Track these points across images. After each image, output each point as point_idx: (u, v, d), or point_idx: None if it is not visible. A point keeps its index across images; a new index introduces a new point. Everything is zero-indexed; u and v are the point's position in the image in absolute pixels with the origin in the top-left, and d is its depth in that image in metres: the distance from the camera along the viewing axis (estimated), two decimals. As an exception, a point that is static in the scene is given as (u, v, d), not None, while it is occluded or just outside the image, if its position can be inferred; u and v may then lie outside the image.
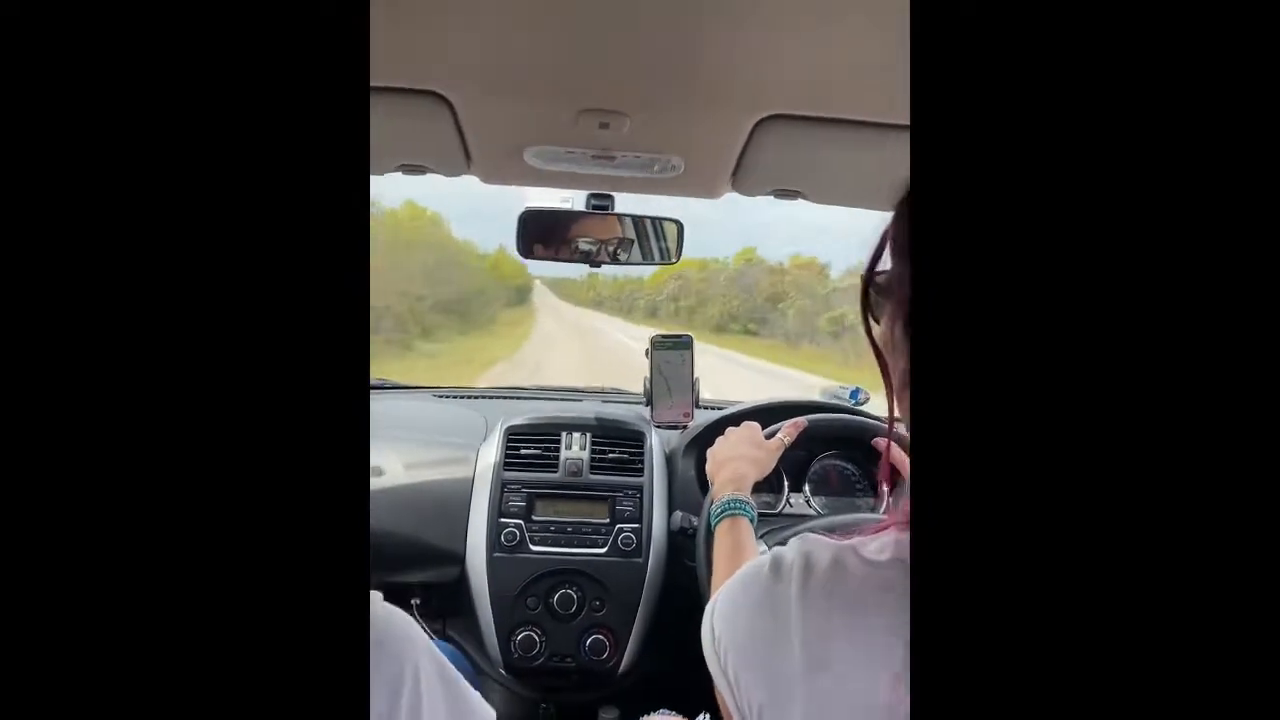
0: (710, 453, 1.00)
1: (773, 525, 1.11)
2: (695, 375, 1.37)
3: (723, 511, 0.89)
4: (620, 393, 1.73)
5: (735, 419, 1.21)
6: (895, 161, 0.84)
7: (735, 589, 0.52)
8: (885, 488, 1.08)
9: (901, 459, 1.04)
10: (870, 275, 0.50)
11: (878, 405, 1.45)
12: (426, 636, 0.50)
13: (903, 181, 0.89)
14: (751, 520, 0.89)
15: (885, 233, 0.50)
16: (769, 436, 1.03)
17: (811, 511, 1.29)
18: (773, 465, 0.99)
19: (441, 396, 1.59)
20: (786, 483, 1.31)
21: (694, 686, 1.23)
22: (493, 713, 0.55)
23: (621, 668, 1.18)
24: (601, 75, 0.71)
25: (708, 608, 0.54)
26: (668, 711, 1.15)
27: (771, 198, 0.97)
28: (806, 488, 1.32)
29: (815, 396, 1.55)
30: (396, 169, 0.92)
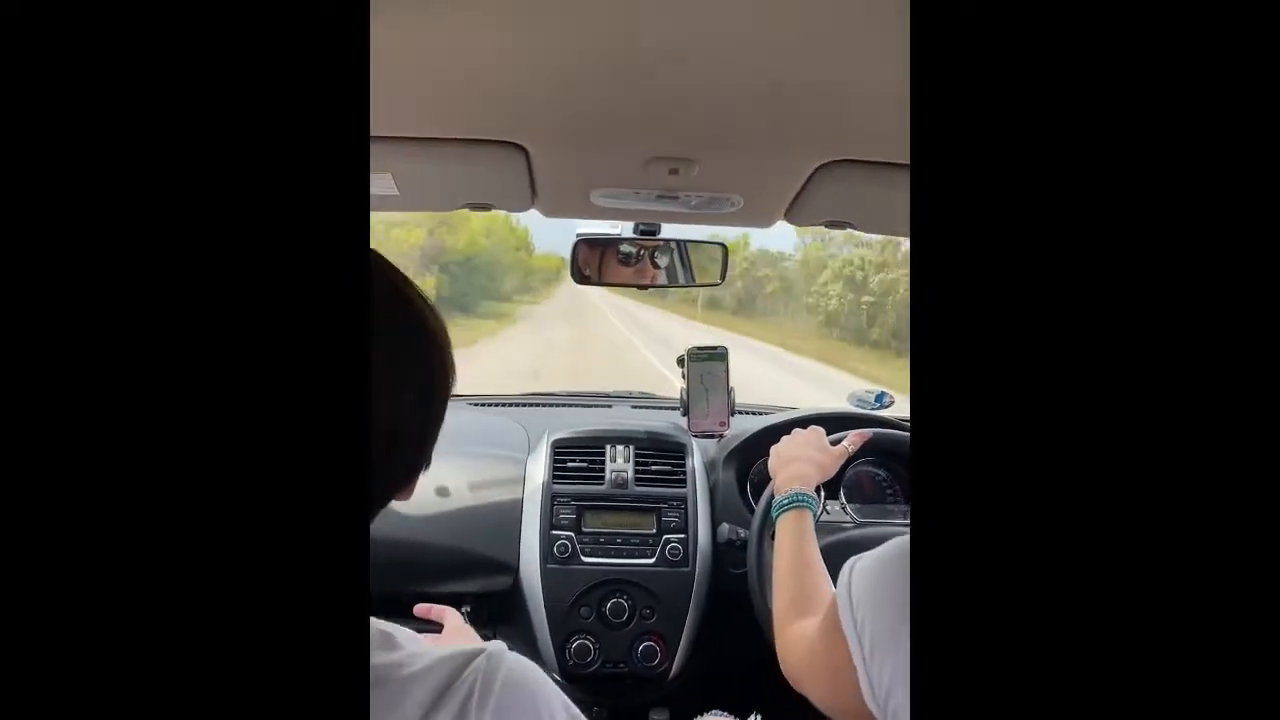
0: (774, 450, 1.04)
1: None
2: (730, 385, 1.41)
3: (789, 504, 0.93)
4: (649, 397, 1.77)
5: (778, 430, 1.26)
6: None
7: (882, 563, 0.53)
8: None
9: None
10: None
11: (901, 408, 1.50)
12: (554, 685, 0.53)
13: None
14: (815, 515, 0.93)
15: None
16: (834, 444, 1.07)
17: (847, 518, 1.34)
18: (835, 471, 1.03)
19: (478, 405, 1.63)
20: (823, 491, 1.35)
21: (742, 687, 1.29)
22: None
23: (672, 672, 1.23)
24: (673, 126, 0.75)
25: (844, 576, 0.55)
26: (720, 712, 1.21)
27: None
28: (841, 494, 1.36)
29: (844, 400, 1.59)
30: (462, 206, 0.96)
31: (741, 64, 0.62)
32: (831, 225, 0.99)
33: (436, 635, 0.79)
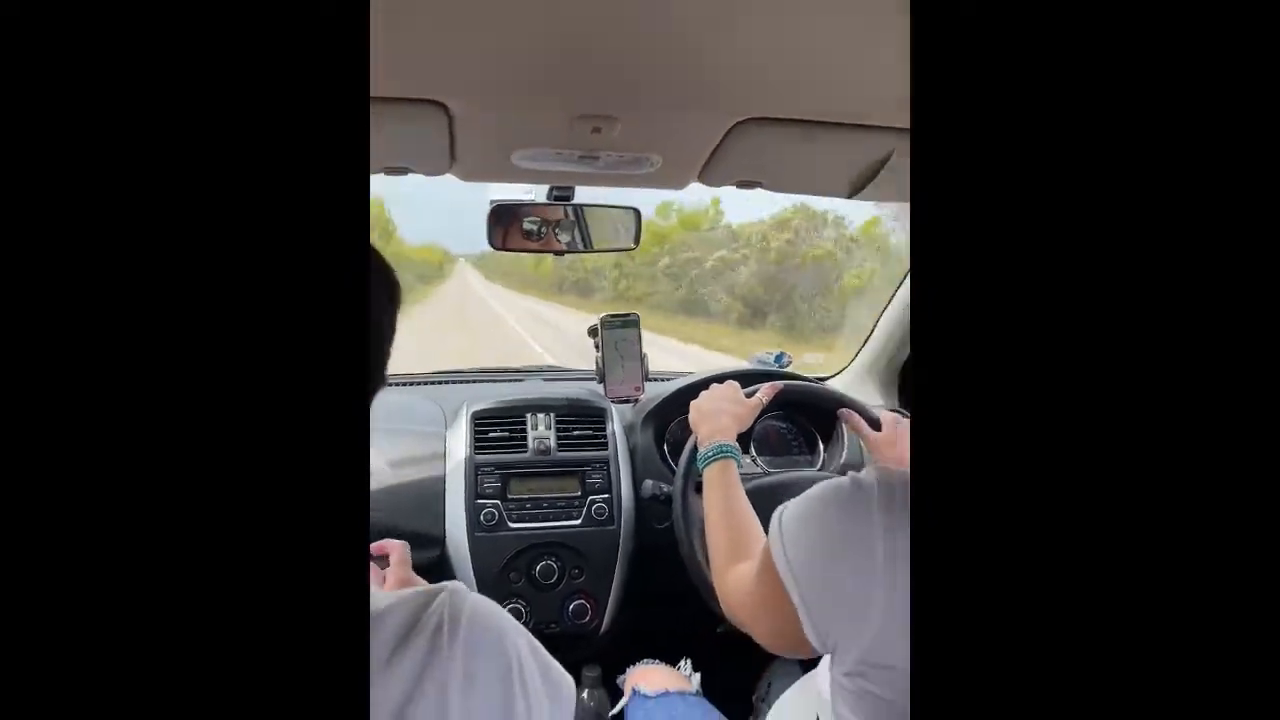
0: (694, 405, 1.08)
1: None
2: (644, 351, 1.45)
3: (714, 455, 0.97)
4: (561, 370, 1.79)
5: (693, 389, 1.31)
6: (858, 154, 0.95)
7: (813, 505, 0.55)
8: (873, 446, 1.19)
9: (858, 422, 1.17)
10: None
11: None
12: (515, 620, 0.53)
13: (865, 170, 1.00)
14: (740, 463, 0.97)
15: None
16: (749, 397, 1.12)
17: (758, 469, 1.41)
18: (751, 421, 1.08)
19: (388, 385, 1.60)
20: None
21: (670, 636, 1.34)
22: (570, 677, 0.60)
23: (603, 628, 1.26)
24: (598, 82, 0.77)
25: (775, 523, 0.57)
26: (650, 661, 1.25)
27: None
28: (751, 447, 1.44)
29: (745, 363, 1.67)
30: (379, 171, 0.94)
31: (664, 17, 0.64)
32: (742, 185, 1.04)
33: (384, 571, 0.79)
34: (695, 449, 1.15)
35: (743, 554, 0.81)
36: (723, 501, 0.92)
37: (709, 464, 0.97)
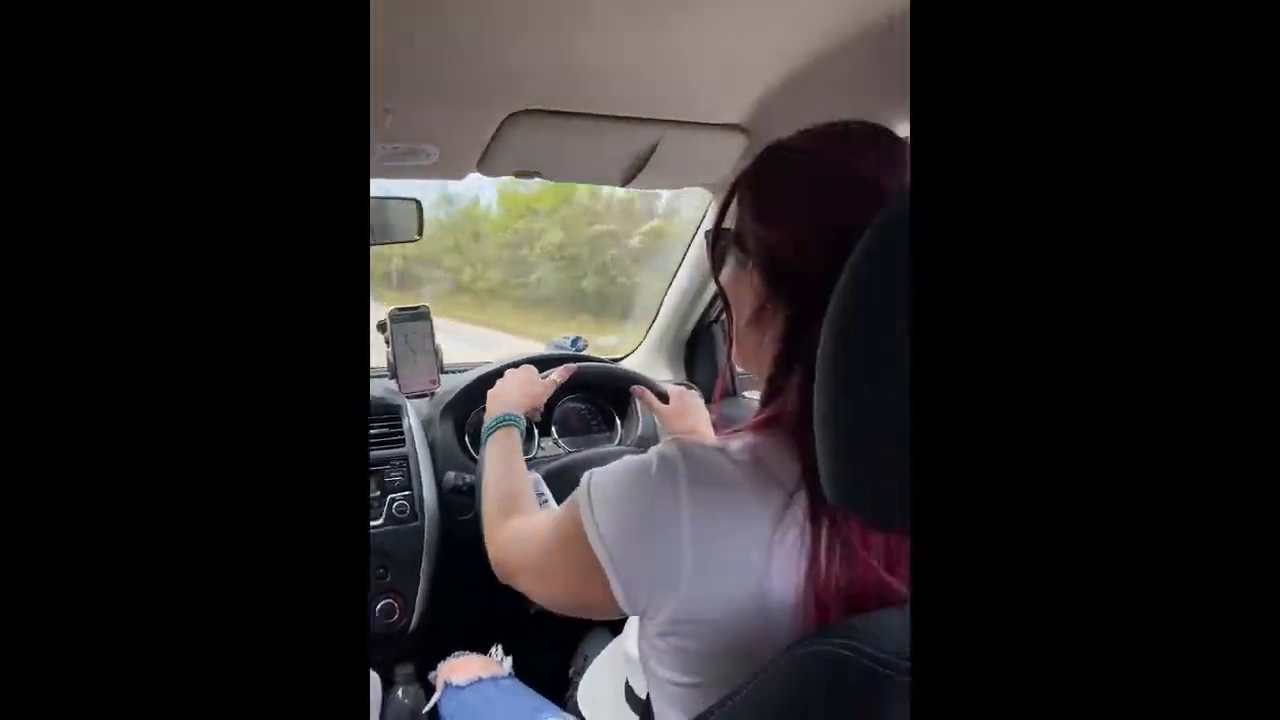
0: (490, 392, 1.09)
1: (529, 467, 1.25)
2: (437, 344, 1.43)
3: (496, 424, 0.99)
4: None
5: (491, 377, 1.32)
6: (628, 145, 1.00)
7: (621, 477, 0.56)
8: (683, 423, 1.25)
9: (650, 398, 1.24)
10: (718, 226, 0.63)
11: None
12: None
13: (635, 160, 1.05)
14: (521, 432, 0.99)
15: (733, 187, 0.62)
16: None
17: (561, 451, 1.46)
18: (544, 399, 1.11)
19: None
20: (536, 430, 1.45)
21: (481, 626, 1.35)
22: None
23: (412, 626, 1.25)
24: (375, 75, 0.76)
25: (583, 489, 0.58)
26: (461, 652, 1.26)
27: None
28: (554, 430, 1.48)
29: (542, 349, 1.70)
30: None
31: (438, 10, 0.65)
32: (520, 175, 1.07)
33: None
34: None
35: (515, 509, 0.83)
36: (501, 461, 0.93)
37: (491, 433, 0.99)
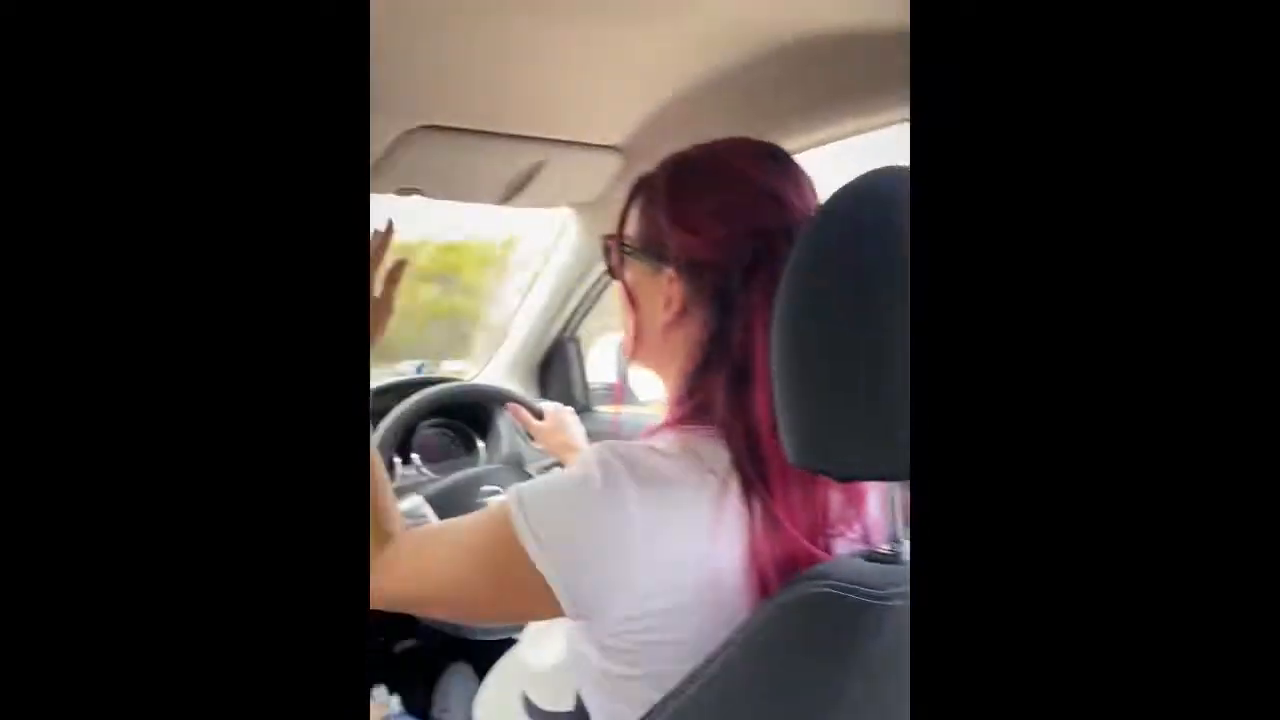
0: None
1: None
2: None
3: None
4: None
5: None
6: (514, 163, 1.03)
7: (561, 496, 0.57)
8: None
9: (525, 415, 1.25)
10: (621, 232, 0.67)
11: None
12: None
13: (517, 179, 1.07)
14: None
15: (633, 193, 0.66)
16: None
17: (425, 478, 1.42)
18: (384, 317, 0.86)
19: None
20: (397, 459, 1.40)
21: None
22: None
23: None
24: None
25: (514, 507, 0.57)
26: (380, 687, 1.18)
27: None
28: (415, 458, 1.44)
29: (389, 379, 1.65)
30: None
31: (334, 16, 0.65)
32: (401, 193, 1.05)
33: None
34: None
35: (387, 531, 0.73)
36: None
37: None
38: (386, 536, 0.71)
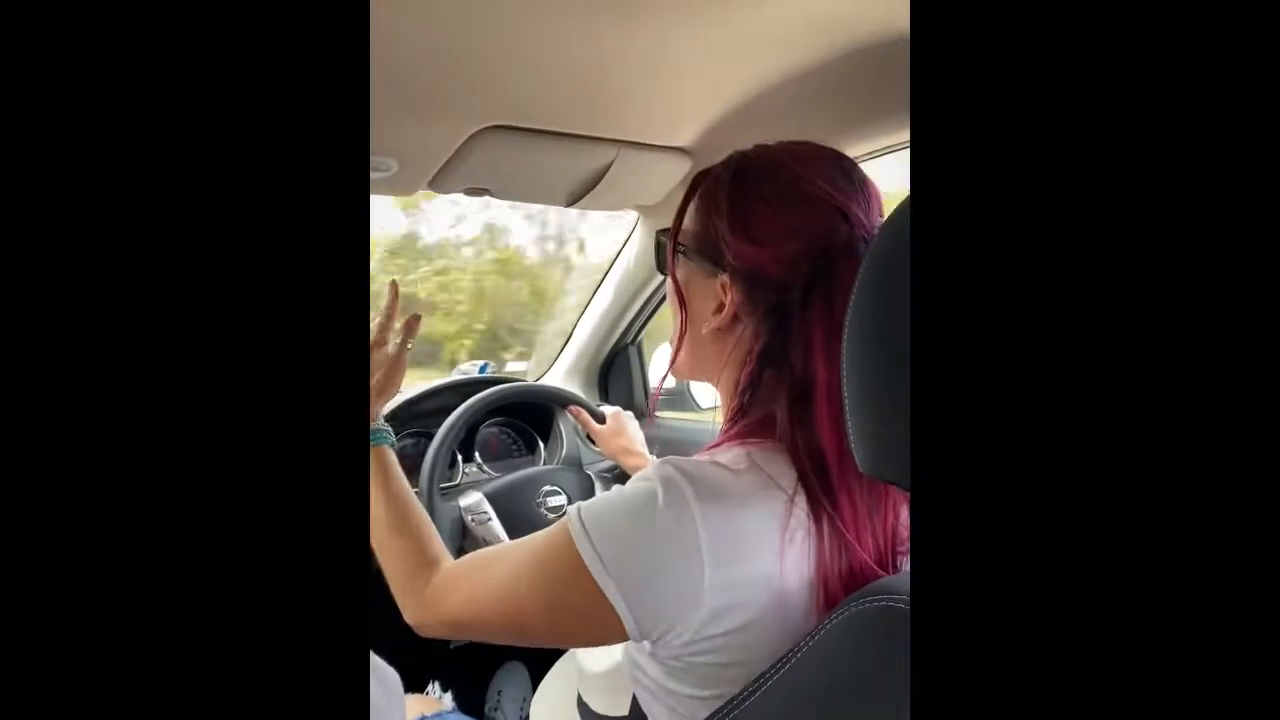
0: None
1: (450, 495, 1.24)
2: None
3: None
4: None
5: (406, 406, 1.30)
6: (582, 164, 1.03)
7: (623, 514, 0.55)
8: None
9: (585, 417, 1.25)
10: (677, 229, 0.66)
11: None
12: None
13: (585, 180, 1.07)
14: (391, 445, 0.84)
15: (692, 189, 0.65)
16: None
17: (485, 476, 1.43)
18: (396, 377, 0.87)
19: None
20: (459, 456, 1.42)
21: (415, 663, 1.29)
22: (395, 673, 0.57)
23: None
24: None
25: (575, 527, 0.55)
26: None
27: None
28: (476, 455, 1.45)
29: (450, 376, 1.67)
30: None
31: (419, 16, 0.65)
32: (470, 193, 1.07)
33: None
34: (434, 459, 1.14)
35: (437, 549, 0.74)
36: (392, 496, 0.79)
37: None
38: (431, 563, 0.71)
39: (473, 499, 1.19)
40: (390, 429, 0.85)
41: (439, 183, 1.01)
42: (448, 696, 1.21)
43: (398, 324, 0.86)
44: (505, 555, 0.64)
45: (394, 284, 0.88)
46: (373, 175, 0.94)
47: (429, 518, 0.78)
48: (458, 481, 1.40)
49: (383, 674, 0.51)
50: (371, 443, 0.82)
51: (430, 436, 1.18)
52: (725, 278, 0.61)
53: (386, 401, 0.86)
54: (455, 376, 1.66)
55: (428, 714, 1.13)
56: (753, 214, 0.60)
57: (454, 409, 1.20)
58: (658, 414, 1.71)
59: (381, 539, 0.75)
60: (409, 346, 0.86)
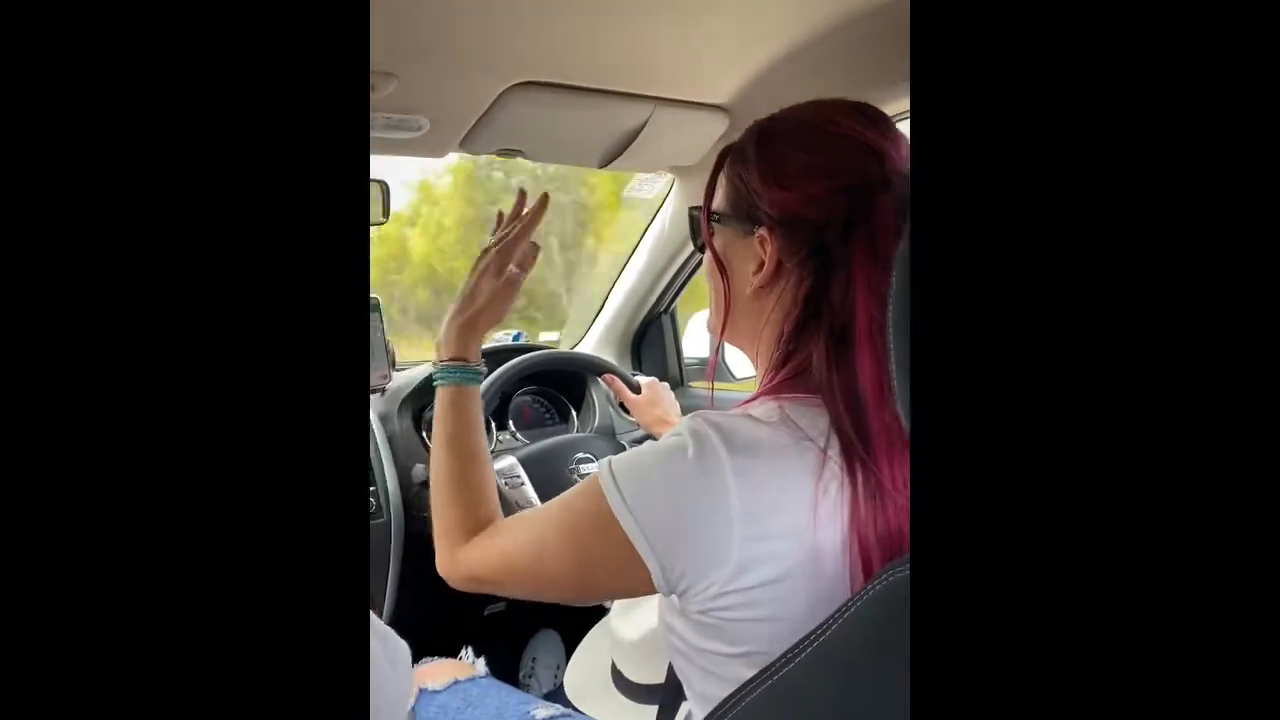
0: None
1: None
2: (387, 338, 1.38)
3: (451, 377, 0.77)
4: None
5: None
6: (617, 122, 1.00)
7: (653, 467, 0.55)
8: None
9: (620, 386, 1.24)
10: (709, 201, 0.65)
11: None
12: None
13: (620, 139, 1.04)
14: (478, 384, 0.78)
15: (721, 160, 0.64)
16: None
17: (519, 443, 1.43)
18: (500, 309, 0.79)
19: None
20: (493, 424, 1.42)
21: (450, 629, 1.30)
22: (405, 644, 0.56)
23: (382, 628, 1.19)
24: (381, 31, 0.73)
25: (606, 481, 0.55)
26: (429, 658, 1.21)
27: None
28: (510, 423, 1.45)
29: (490, 344, 1.67)
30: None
31: None
32: (502, 154, 1.05)
33: None
34: None
35: (484, 516, 0.72)
36: (462, 447, 0.75)
37: (444, 383, 0.77)
38: (480, 525, 0.70)
39: (506, 463, 1.19)
40: (484, 371, 0.79)
41: (470, 143, 0.99)
42: (480, 662, 1.21)
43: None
44: (537, 512, 0.64)
45: (521, 190, 0.80)
46: (402, 135, 0.92)
47: (492, 476, 0.75)
48: (492, 448, 1.40)
49: (389, 642, 0.51)
50: (458, 379, 0.76)
51: None
52: (762, 231, 0.60)
53: (484, 333, 0.79)
54: (488, 344, 1.65)
55: (461, 678, 1.13)
56: (781, 160, 0.60)
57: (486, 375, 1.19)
58: (692, 384, 1.69)
59: (439, 486, 0.73)
60: (518, 281, 0.78)
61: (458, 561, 0.69)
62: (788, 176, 0.59)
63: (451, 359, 0.77)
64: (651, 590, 0.55)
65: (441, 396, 0.77)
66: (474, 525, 0.70)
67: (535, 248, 0.79)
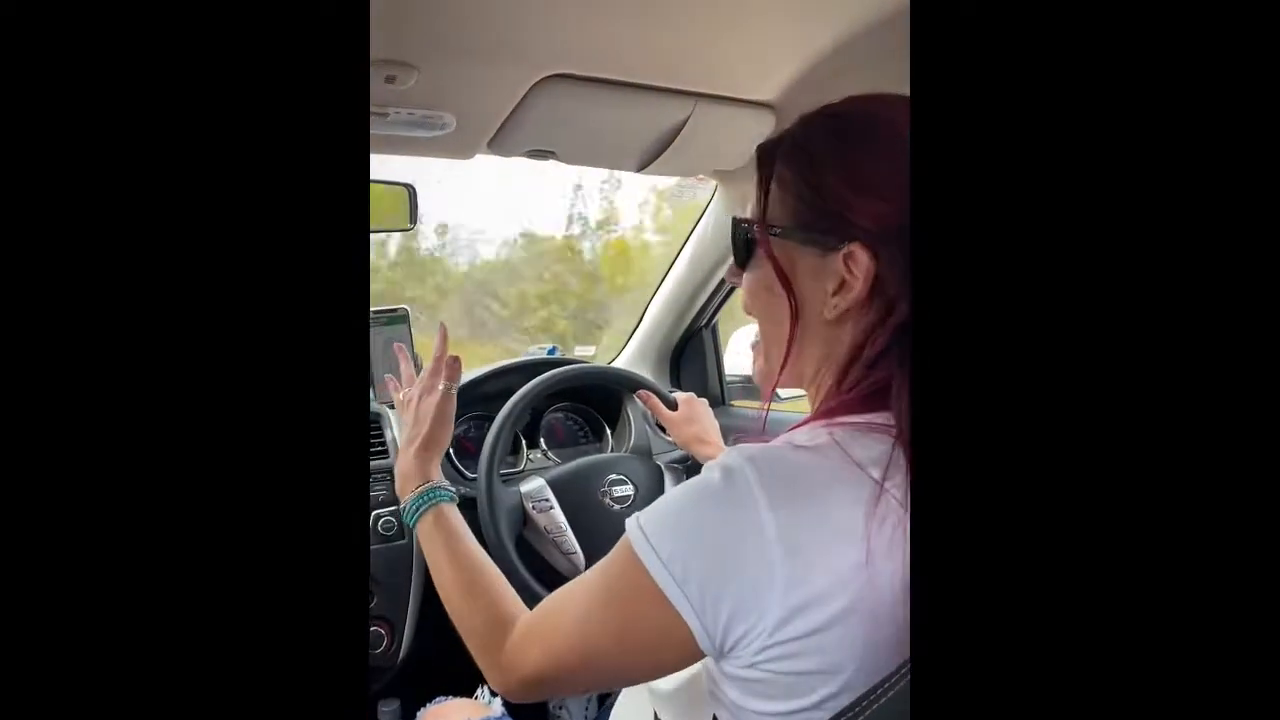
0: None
1: (513, 480, 1.17)
2: (415, 351, 1.33)
3: (419, 505, 0.79)
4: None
5: (471, 386, 1.24)
6: (654, 121, 0.94)
7: (682, 512, 0.51)
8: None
9: (656, 403, 1.17)
10: (763, 212, 0.57)
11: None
12: None
13: (658, 140, 0.98)
14: (451, 499, 0.80)
15: (771, 166, 0.57)
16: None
17: (550, 462, 1.37)
18: (446, 425, 0.85)
19: None
20: (524, 442, 1.36)
21: (467, 664, 1.23)
22: None
23: (401, 655, 1.13)
24: (400, 20, 0.68)
25: (637, 541, 0.51)
26: (443, 698, 1.14)
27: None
28: (541, 442, 1.39)
29: (523, 357, 1.61)
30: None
31: None
32: (533, 155, 0.99)
33: None
34: (494, 442, 1.08)
35: (512, 611, 0.68)
36: (447, 556, 0.75)
37: (417, 520, 0.78)
38: (508, 622, 0.66)
39: (534, 485, 1.12)
40: (452, 488, 0.80)
41: (499, 143, 0.94)
42: (497, 701, 1.14)
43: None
44: (573, 592, 0.58)
45: (442, 326, 0.86)
46: (428, 134, 0.87)
47: (501, 574, 0.73)
48: (522, 468, 1.34)
49: None
50: (431, 502, 0.78)
51: (493, 420, 1.12)
52: (852, 247, 0.52)
53: (440, 454, 0.84)
54: (522, 358, 1.60)
55: (475, 719, 1.07)
56: (870, 167, 0.53)
57: (515, 390, 1.13)
58: (734, 403, 1.61)
59: (454, 605, 0.72)
60: (453, 392, 0.84)
61: (505, 670, 0.63)
62: (882, 183, 0.52)
63: (416, 489, 0.80)
64: (699, 655, 0.51)
65: (423, 528, 0.78)
66: (503, 622, 0.66)
67: (456, 360, 0.85)
